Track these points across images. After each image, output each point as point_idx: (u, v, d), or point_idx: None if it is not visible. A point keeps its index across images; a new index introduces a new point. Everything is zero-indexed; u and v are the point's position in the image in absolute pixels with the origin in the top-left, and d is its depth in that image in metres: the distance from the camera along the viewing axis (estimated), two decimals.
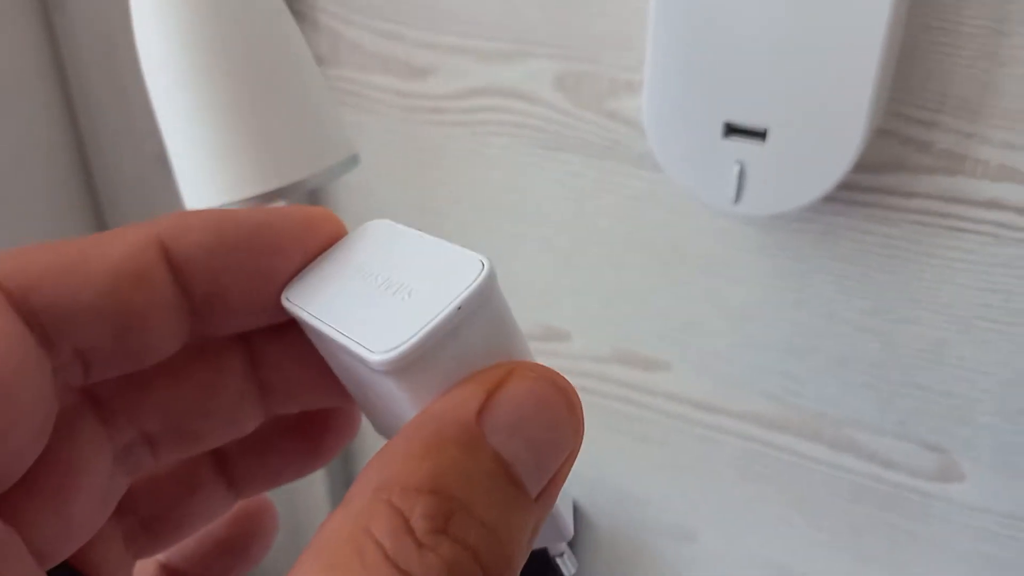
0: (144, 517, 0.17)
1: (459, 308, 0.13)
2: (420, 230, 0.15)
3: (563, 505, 0.16)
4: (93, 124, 0.57)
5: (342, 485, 0.63)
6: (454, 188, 0.48)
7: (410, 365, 0.13)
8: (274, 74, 0.27)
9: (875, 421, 0.41)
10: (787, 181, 0.34)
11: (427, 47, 0.45)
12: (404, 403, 0.14)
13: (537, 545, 0.14)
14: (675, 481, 0.49)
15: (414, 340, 0.13)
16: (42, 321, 0.13)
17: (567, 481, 0.14)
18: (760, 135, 0.34)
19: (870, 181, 0.36)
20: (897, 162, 0.35)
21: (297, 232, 0.15)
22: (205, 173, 0.28)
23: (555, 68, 0.42)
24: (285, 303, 0.15)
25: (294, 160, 0.27)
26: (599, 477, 0.52)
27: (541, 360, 0.14)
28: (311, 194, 0.54)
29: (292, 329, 0.16)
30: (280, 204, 0.22)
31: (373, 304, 0.14)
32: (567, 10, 0.40)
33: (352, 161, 0.30)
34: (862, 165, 0.36)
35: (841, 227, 0.38)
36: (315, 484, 0.63)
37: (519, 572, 0.13)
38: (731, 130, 0.34)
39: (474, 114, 0.46)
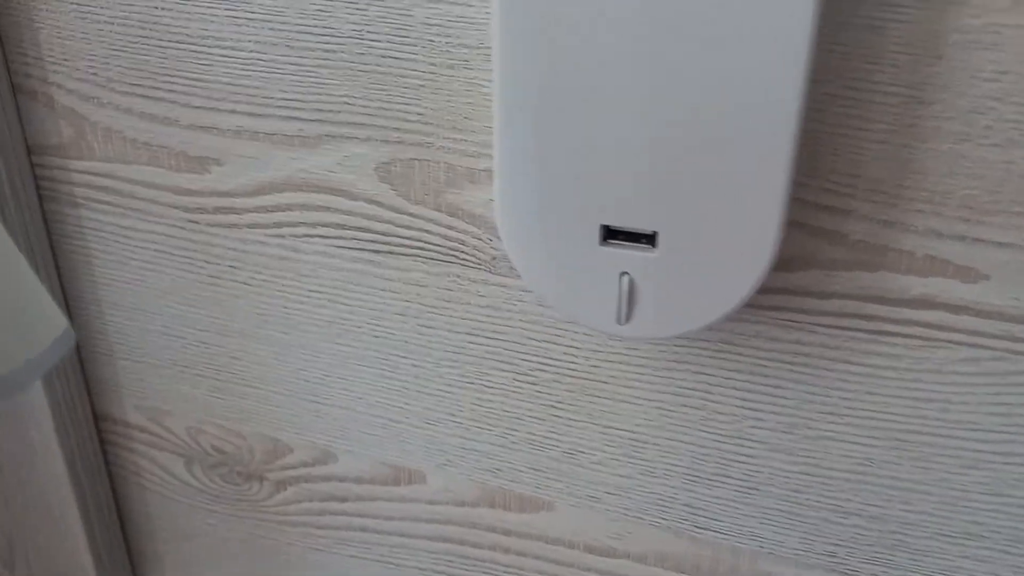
0: None
1: None
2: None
3: None
4: None
5: None
6: (259, 304, 0.38)
7: None
8: None
9: (799, 554, 0.34)
10: (687, 295, 0.27)
11: (206, 130, 0.35)
12: None
13: None
14: None
15: None
16: None
17: None
18: (649, 239, 0.26)
19: (777, 281, 0.29)
20: (808, 258, 0.29)
21: None
22: None
23: (376, 154, 0.32)
24: None
25: None
26: None
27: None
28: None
29: None
30: None
31: None
32: (385, 82, 0.31)
33: (64, 340, 0.19)
34: None
35: (746, 334, 0.31)
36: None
37: None
38: (611, 234, 0.27)
39: (277, 213, 0.35)
